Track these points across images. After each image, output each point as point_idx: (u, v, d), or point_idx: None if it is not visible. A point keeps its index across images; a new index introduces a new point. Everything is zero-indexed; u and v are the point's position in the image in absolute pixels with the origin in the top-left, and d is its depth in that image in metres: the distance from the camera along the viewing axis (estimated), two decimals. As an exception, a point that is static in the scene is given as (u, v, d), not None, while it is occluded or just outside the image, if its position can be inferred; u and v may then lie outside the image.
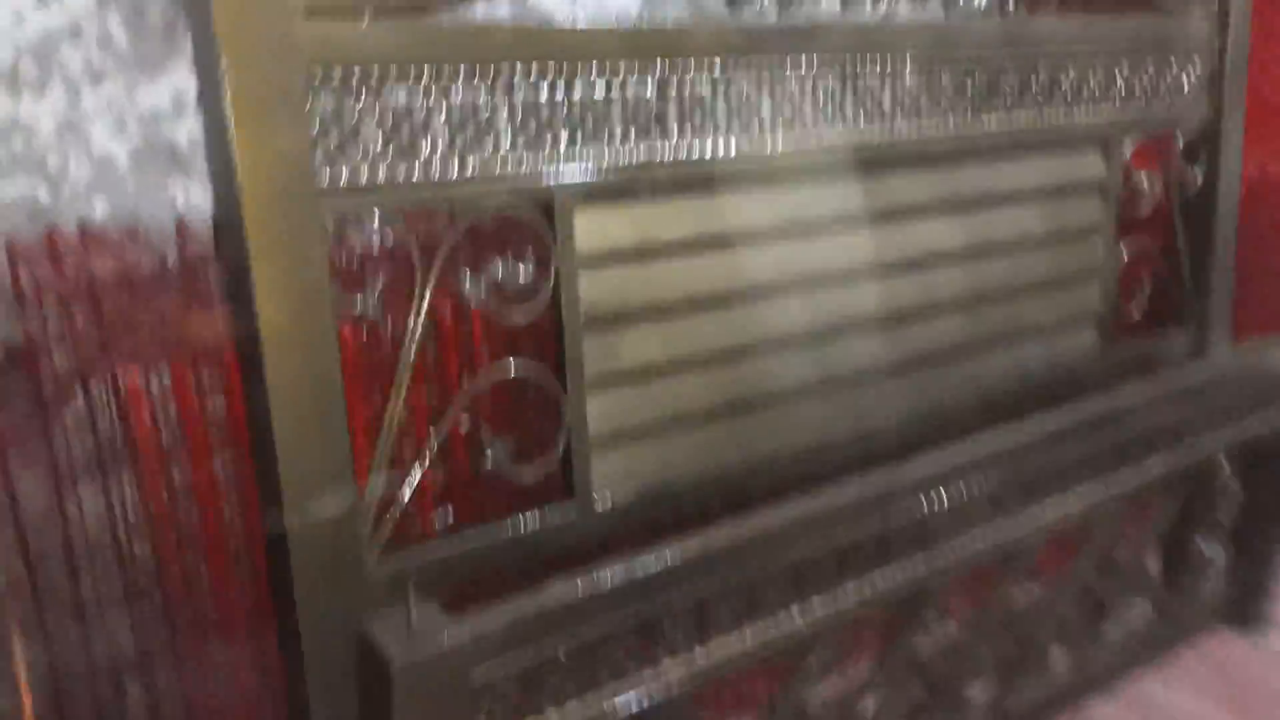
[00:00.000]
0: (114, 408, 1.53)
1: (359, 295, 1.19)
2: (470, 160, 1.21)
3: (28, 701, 1.37)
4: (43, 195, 1.59)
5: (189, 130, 1.66)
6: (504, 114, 1.23)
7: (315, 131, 1.10)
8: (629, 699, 1.24)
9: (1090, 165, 1.88)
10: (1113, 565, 1.89)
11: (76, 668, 1.61)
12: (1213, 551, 2.12)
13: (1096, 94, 1.82)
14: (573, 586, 1.16)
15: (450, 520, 1.37)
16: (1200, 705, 1.98)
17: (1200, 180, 2.03)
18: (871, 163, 1.57)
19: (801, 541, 1.35)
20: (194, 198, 1.69)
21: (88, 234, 1.54)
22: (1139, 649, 2.02)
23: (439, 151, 1.19)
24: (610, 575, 1.19)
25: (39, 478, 1.53)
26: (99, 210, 1.63)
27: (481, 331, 1.34)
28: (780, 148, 1.45)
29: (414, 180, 1.17)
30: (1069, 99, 1.78)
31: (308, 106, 1.09)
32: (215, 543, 1.26)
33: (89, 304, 1.42)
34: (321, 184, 1.10)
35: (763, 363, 1.51)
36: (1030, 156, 1.79)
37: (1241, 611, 2.18)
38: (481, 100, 1.21)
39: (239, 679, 1.31)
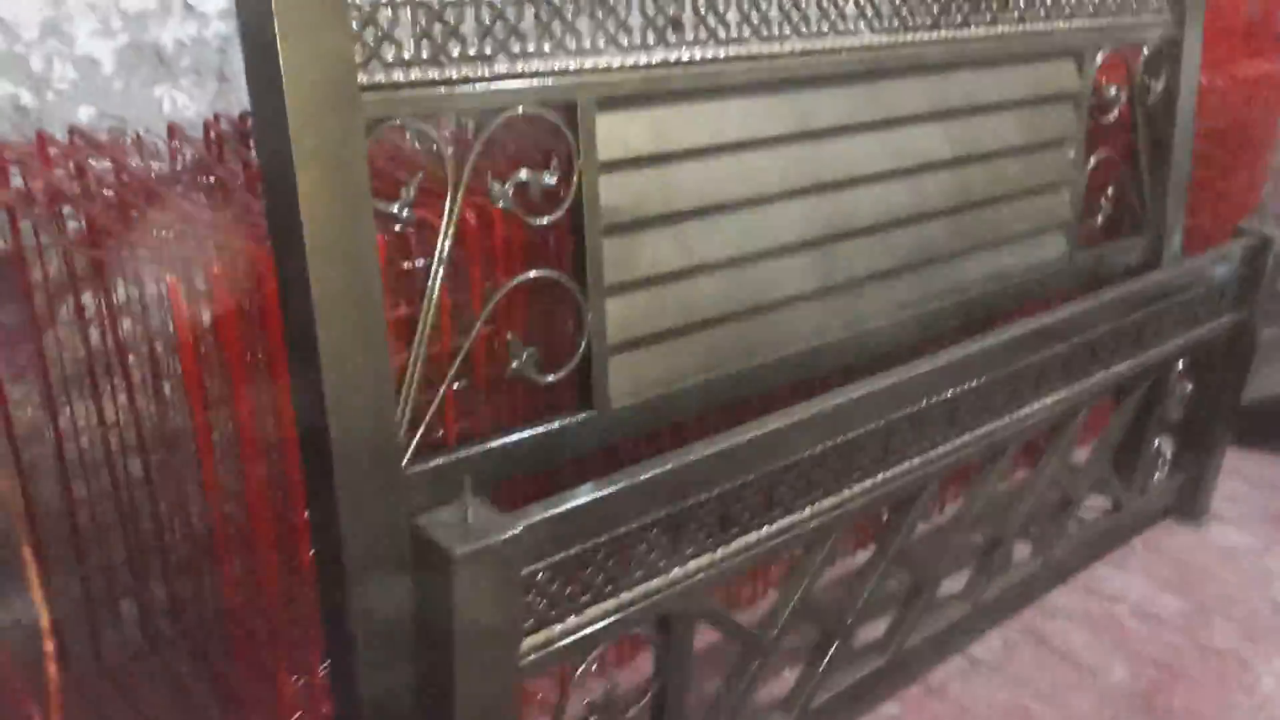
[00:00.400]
0: (108, 314, 1.50)
1: (392, 200, 1.18)
2: (498, 63, 1.21)
3: (45, 615, 1.36)
4: (26, 98, 1.53)
5: (174, 32, 1.62)
6: (530, 16, 1.22)
7: (355, 29, 1.08)
8: (657, 591, 1.29)
9: (1064, 76, 1.93)
10: (1074, 464, 1.99)
11: (98, 574, 1.60)
12: (1163, 448, 2.24)
13: (1072, 5, 1.86)
14: (613, 483, 1.20)
15: (475, 426, 1.39)
16: (1150, 591, 2.11)
17: (1161, 91, 2.10)
18: (869, 70, 1.59)
19: (813, 440, 1.40)
20: (180, 102, 1.66)
21: (78, 137, 1.50)
22: (1097, 542, 2.15)
23: (469, 53, 1.18)
24: (646, 472, 1.22)
25: (49, 385, 1.51)
26: (84, 114, 1.59)
27: (505, 240, 1.34)
28: (786, 50, 1.46)
29: (447, 79, 1.17)
30: (1047, 10, 1.83)
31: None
32: (247, 450, 1.26)
33: (89, 207, 1.39)
34: (362, 83, 1.09)
35: (767, 268, 1.55)
36: (1010, 66, 1.83)
37: (1186, 503, 2.31)
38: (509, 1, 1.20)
39: (271, 581, 1.33)
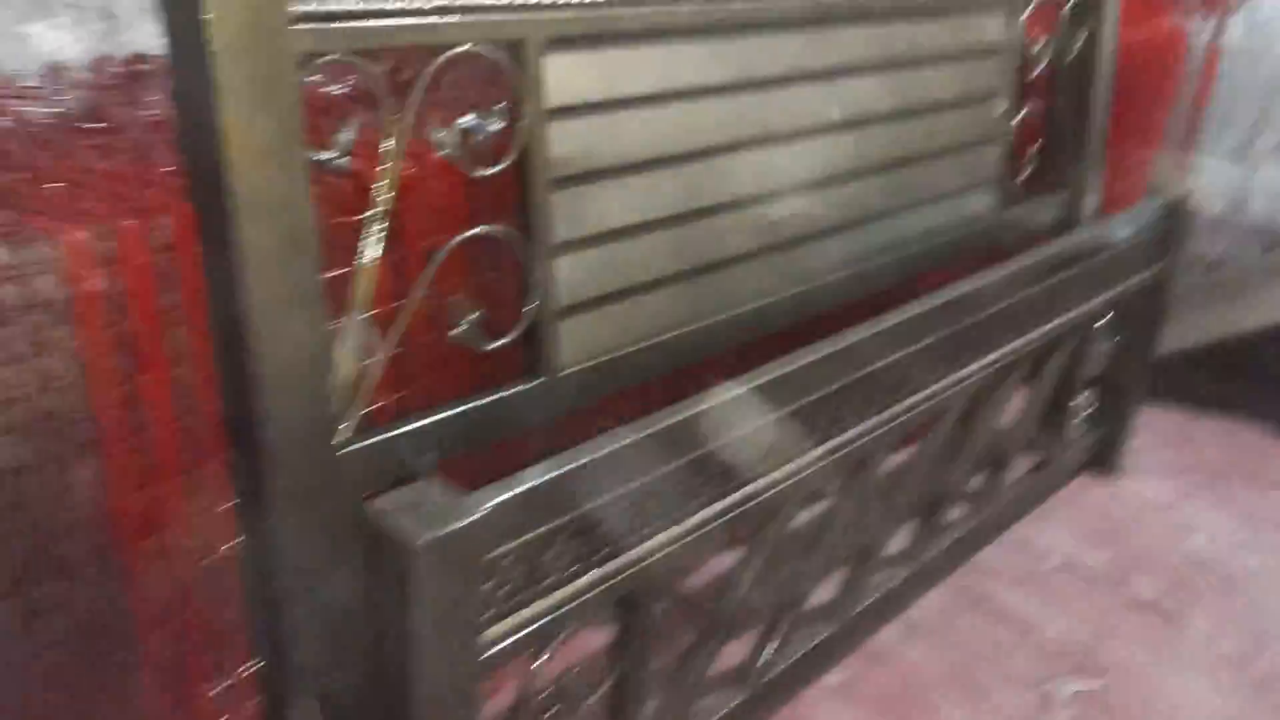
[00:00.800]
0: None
1: (326, 146, 1.05)
2: (439, -5, 1.09)
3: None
4: (-126, 34, 1.34)
5: (47, -37, 1.43)
6: (474, -57, 1.11)
7: (283, -49, 0.95)
8: (621, 571, 1.20)
9: (996, 28, 1.89)
10: (1003, 424, 1.98)
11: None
12: (1083, 404, 2.26)
13: (1006, -46, 1.83)
14: (578, 457, 1.10)
15: (411, 399, 1.27)
16: (1076, 547, 2.12)
17: (1082, 45, 2.08)
18: (816, 16, 1.53)
19: (774, 406, 1.33)
20: (59, 41, 1.48)
21: (-58, 80, 1.32)
22: (1022, 499, 2.14)
23: (408, -17, 1.06)
24: (612, 444, 1.13)
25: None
26: (-56, 54, 1.40)
27: (445, 194, 1.22)
28: (735, -5, 1.38)
29: (385, 10, 1.04)
30: (981, -42, 1.79)
31: (273, -79, 0.93)
32: (161, 433, 1.12)
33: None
34: (293, 12, 0.96)
35: (715, 224, 1.46)
36: (947, 17, 1.79)
37: (1102, 458, 2.34)
38: (451, -74, 1.08)
39: (186, 576, 1.19)
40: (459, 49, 1.12)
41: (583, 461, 1.11)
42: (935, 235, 1.88)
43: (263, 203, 0.96)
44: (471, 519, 0.98)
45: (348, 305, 1.11)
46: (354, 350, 1.11)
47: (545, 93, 1.20)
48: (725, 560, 1.80)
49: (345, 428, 1.12)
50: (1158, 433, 2.54)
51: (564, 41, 1.22)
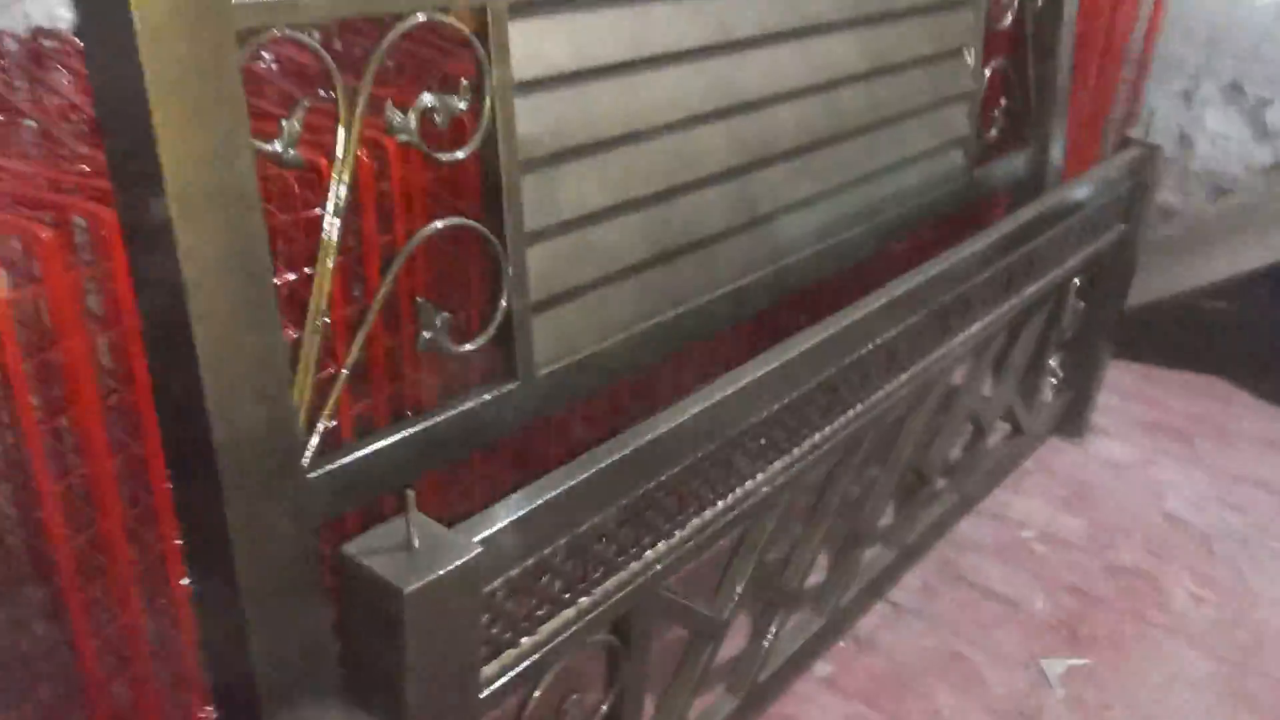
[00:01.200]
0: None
1: (274, 136, 0.91)
2: (393, -42, 0.96)
3: None
4: None
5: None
6: (429, -102, 0.97)
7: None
8: (617, 590, 1.10)
9: (963, -23, 1.80)
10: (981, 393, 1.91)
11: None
12: (1054, 369, 2.20)
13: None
14: (571, 476, 1.00)
15: (383, 411, 1.15)
16: (1052, 513, 2.07)
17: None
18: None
19: (771, 398, 1.24)
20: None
21: None
22: (997, 468, 2.09)
23: (358, -55, 0.93)
24: (606, 459, 1.03)
25: None
26: None
27: (404, 183, 1.10)
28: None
29: (333, -19, 0.91)
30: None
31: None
32: (95, 464, 0.98)
33: None
34: (233, -15, 0.83)
35: (692, 202, 1.36)
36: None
37: (1071, 420, 2.29)
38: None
39: (132, 619, 1.06)
40: (417, 18, 0.99)
41: (578, 479, 1.00)
42: (908, 198, 1.79)
43: (204, 201, 0.84)
44: (467, 558, 0.87)
45: (305, 311, 0.98)
46: (315, 362, 0.99)
47: (512, 64, 1.08)
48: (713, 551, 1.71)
49: (312, 448, 1.00)
50: (1121, 389, 2.50)
51: (529, 6, 1.09)
